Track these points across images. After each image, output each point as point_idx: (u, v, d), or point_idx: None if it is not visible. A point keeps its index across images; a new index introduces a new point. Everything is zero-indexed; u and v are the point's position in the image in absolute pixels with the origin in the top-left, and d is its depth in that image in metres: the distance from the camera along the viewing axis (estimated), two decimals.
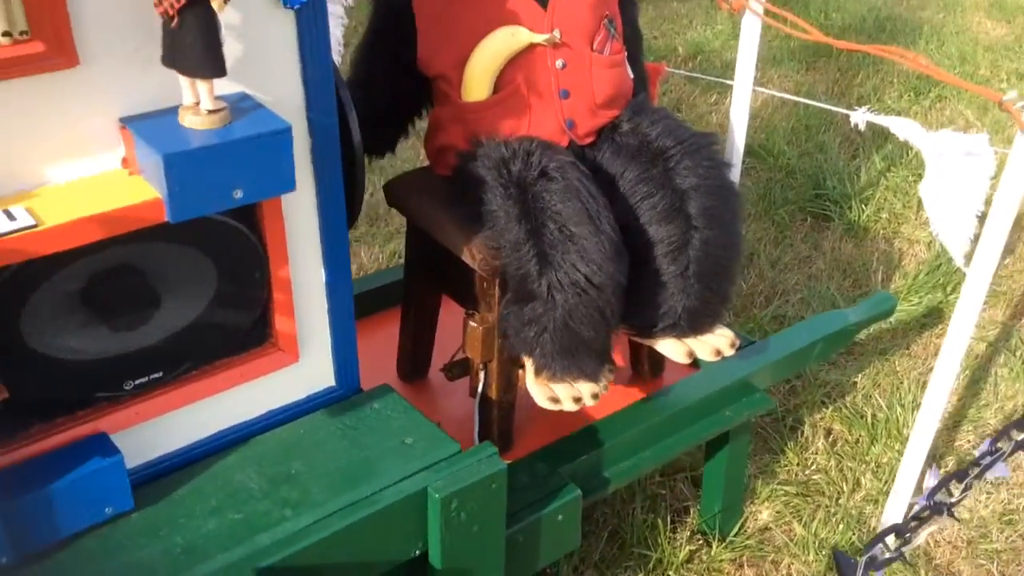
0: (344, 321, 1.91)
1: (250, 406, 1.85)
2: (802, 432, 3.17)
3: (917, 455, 2.58)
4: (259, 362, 1.81)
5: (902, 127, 2.48)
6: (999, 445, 1.48)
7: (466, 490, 1.78)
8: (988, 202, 2.33)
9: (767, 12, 2.64)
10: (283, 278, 1.77)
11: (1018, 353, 3.57)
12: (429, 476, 1.79)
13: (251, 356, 1.81)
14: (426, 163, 2.31)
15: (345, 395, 1.97)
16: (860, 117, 2.59)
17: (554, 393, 2.04)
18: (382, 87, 2.14)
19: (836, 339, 2.63)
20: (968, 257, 2.39)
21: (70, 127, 1.45)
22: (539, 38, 2.01)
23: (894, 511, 2.72)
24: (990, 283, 2.35)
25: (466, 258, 2.07)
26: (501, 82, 2.05)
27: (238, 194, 1.49)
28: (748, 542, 2.79)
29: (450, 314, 2.41)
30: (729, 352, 2.24)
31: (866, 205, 4.39)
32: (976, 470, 1.46)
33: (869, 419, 3.22)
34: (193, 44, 1.40)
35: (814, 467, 3.07)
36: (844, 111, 2.70)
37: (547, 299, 1.97)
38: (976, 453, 1.48)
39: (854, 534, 2.81)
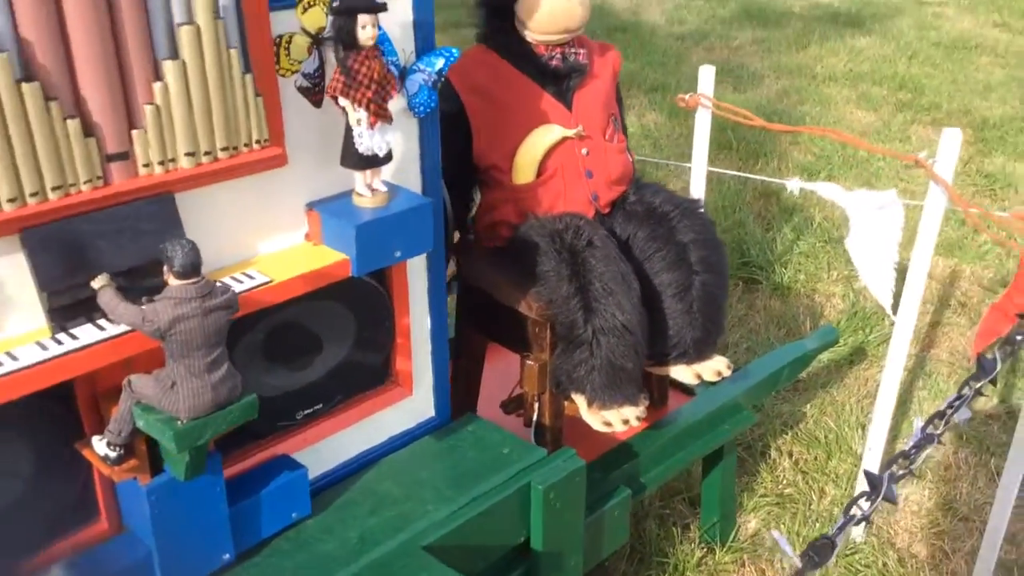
0: (442, 361, 2.39)
1: (378, 432, 2.29)
2: (770, 455, 3.72)
3: (874, 456, 3.16)
4: (385, 396, 2.27)
5: (827, 190, 3.12)
6: (963, 392, 2.02)
7: (559, 483, 2.25)
8: (906, 249, 2.92)
9: (715, 106, 3.28)
10: (404, 325, 2.24)
11: (933, 376, 4.23)
12: (529, 474, 2.25)
13: (380, 391, 2.26)
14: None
15: (441, 423, 2.43)
16: (794, 185, 3.23)
17: (607, 419, 2.53)
18: (454, 176, 2.61)
19: (798, 364, 3.21)
20: (895, 307, 2.98)
21: (277, 211, 1.92)
22: (569, 132, 2.58)
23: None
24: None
25: (523, 309, 2.58)
26: (542, 168, 2.59)
27: (397, 254, 1.98)
28: (744, 545, 3.29)
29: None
30: (727, 373, 2.78)
31: (785, 268, 5.06)
32: (950, 411, 2.00)
33: (823, 440, 3.80)
34: (349, 148, 1.91)
35: (785, 482, 3.61)
36: (780, 181, 3.34)
37: (593, 342, 2.48)
38: (945, 402, 2.02)
39: (828, 529, 3.34)
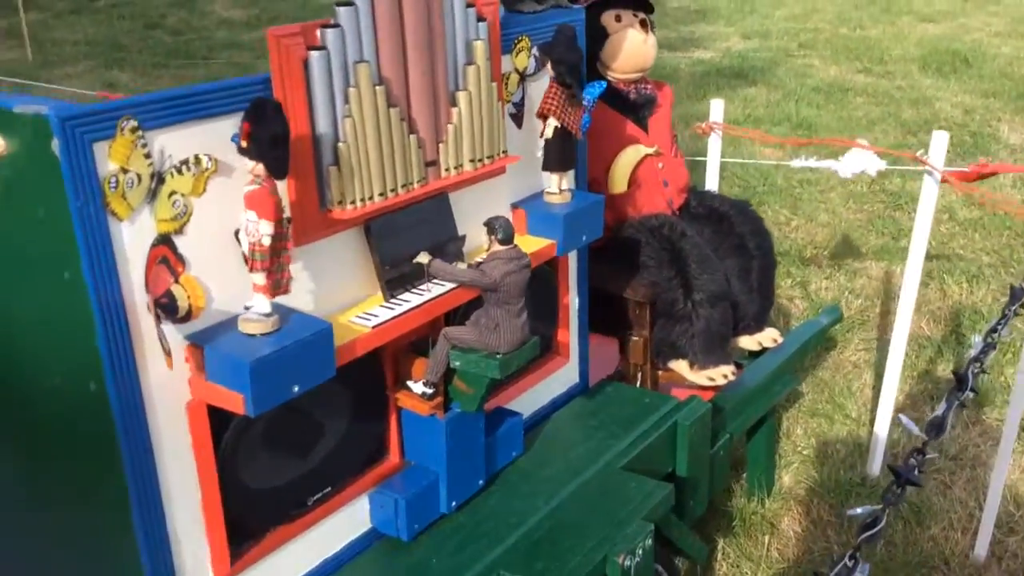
0: (584, 333, 2.95)
1: (543, 395, 2.82)
2: (784, 426, 4.38)
3: (885, 412, 3.87)
4: (552, 363, 2.81)
5: (824, 164, 3.85)
6: (1005, 313, 2.67)
7: (696, 420, 2.83)
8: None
9: (725, 130, 3.99)
10: (565, 303, 2.80)
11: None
12: (673, 415, 2.82)
13: (548, 359, 2.80)
14: None
15: (583, 388, 2.98)
16: (799, 163, 3.94)
17: (710, 375, 3.13)
18: None
19: (818, 336, 3.90)
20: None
21: (497, 209, 2.47)
22: (650, 150, 3.22)
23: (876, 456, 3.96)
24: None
25: (628, 294, 3.17)
26: (631, 180, 3.21)
27: (584, 238, 2.56)
28: (784, 495, 3.92)
29: None
30: (780, 340, 3.45)
31: None
32: (975, 366, 2.60)
33: (823, 410, 4.49)
34: (555, 154, 2.49)
35: (803, 445, 4.27)
36: (787, 162, 4.05)
37: (692, 314, 3.09)
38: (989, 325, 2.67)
39: (849, 477, 4.01)
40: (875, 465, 4.03)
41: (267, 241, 1.72)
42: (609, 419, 2.79)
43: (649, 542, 2.29)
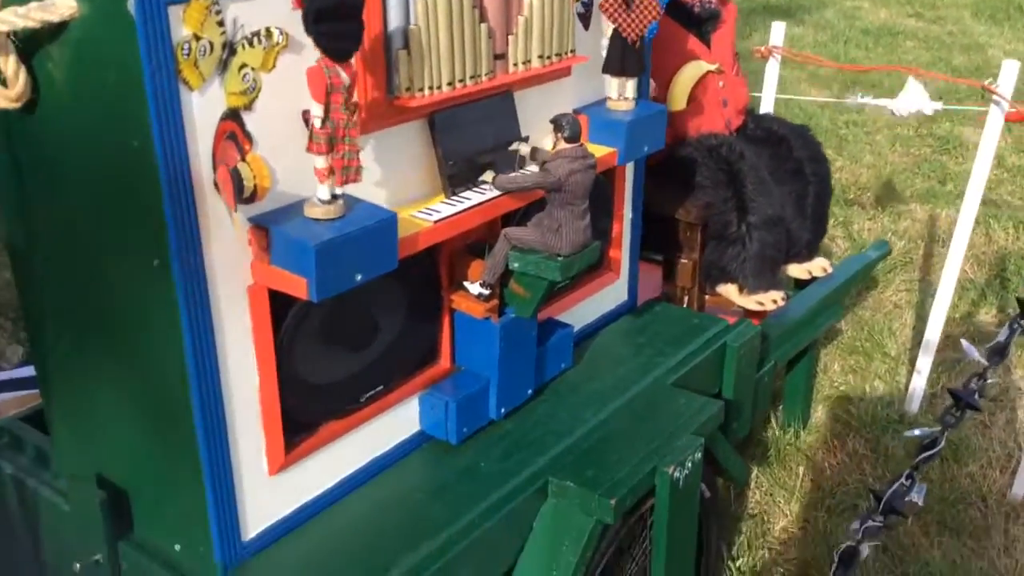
0: (635, 250, 2.89)
1: (593, 310, 2.78)
2: (821, 362, 4.34)
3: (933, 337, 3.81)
4: (603, 278, 2.76)
5: (878, 101, 3.74)
6: None
7: (746, 343, 2.79)
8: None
9: (784, 56, 3.88)
10: (620, 216, 2.74)
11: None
12: (722, 337, 2.78)
13: (600, 273, 2.76)
14: None
15: (631, 306, 2.94)
16: (852, 100, 3.84)
17: (760, 300, 3.08)
18: None
19: (866, 270, 3.84)
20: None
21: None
22: (712, 67, 3.13)
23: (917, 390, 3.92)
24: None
25: (680, 215, 3.10)
26: (690, 97, 3.13)
27: (646, 148, 2.50)
28: (820, 428, 3.89)
29: None
30: (830, 270, 3.38)
31: None
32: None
33: (861, 347, 4.44)
34: (622, 58, 2.41)
35: (840, 382, 4.23)
36: (840, 100, 3.95)
37: (746, 237, 3.03)
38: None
39: (886, 413, 3.97)
40: (914, 403, 3.98)
41: (317, 124, 1.66)
42: (657, 337, 2.75)
43: (699, 456, 2.26)
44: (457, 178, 2.08)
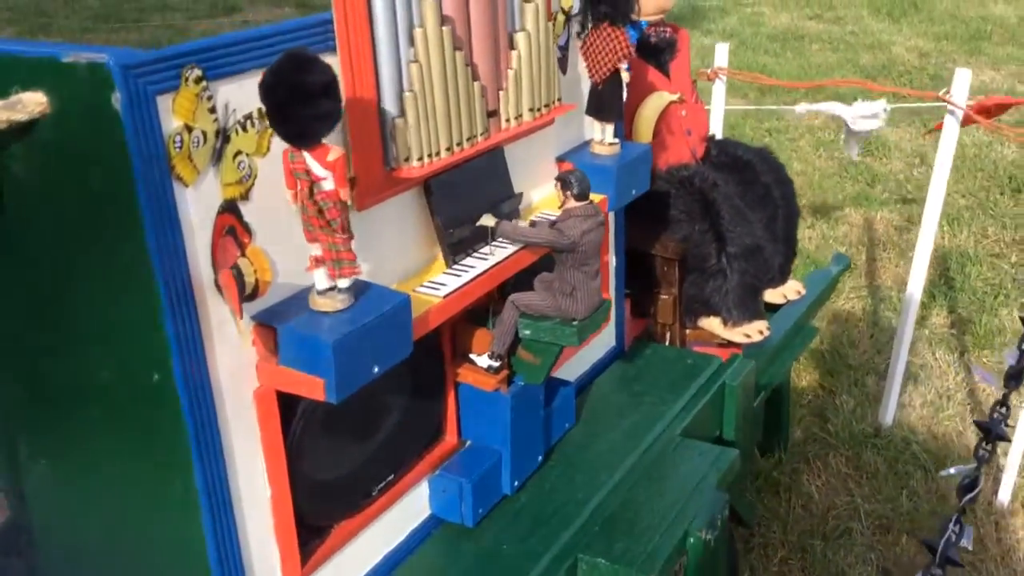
0: (622, 295, 2.79)
1: (582, 362, 2.65)
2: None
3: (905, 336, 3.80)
4: None
5: (830, 107, 3.73)
6: None
7: (743, 380, 2.70)
8: None
9: (729, 76, 3.84)
10: (604, 260, 2.63)
11: (888, 300, 4.96)
12: (720, 376, 2.69)
13: None
14: None
15: (620, 351, 2.83)
16: (801, 109, 3.82)
17: (746, 332, 2.99)
18: None
19: (833, 284, 3.80)
20: (858, 154, 3.69)
21: (543, 163, 2.28)
22: (673, 97, 3.04)
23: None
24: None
25: (658, 251, 3.01)
26: (655, 130, 3.04)
27: (633, 192, 2.39)
28: (799, 449, 3.83)
29: None
30: (804, 292, 3.33)
31: None
32: None
33: (824, 359, 4.42)
34: (609, 100, 2.31)
35: (809, 398, 4.19)
36: (788, 108, 3.93)
37: (727, 268, 2.94)
38: None
39: (861, 428, 3.94)
40: (888, 415, 3.97)
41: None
42: (654, 383, 2.65)
43: (726, 512, 2.16)
44: (458, 245, 1.94)
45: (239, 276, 1.50)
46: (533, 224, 2.08)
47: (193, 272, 1.44)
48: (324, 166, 1.46)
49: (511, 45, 1.95)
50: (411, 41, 1.70)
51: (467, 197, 1.94)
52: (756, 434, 3.03)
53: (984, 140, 6.92)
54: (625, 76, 2.29)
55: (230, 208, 1.48)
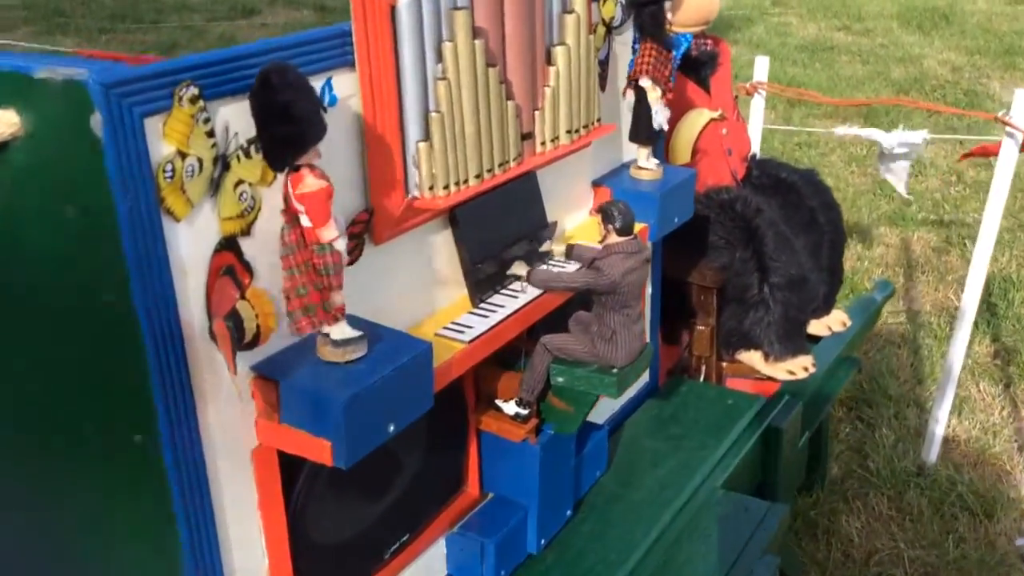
0: (656, 327, 2.58)
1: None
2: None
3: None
4: None
5: (869, 133, 3.52)
6: None
7: (790, 423, 2.49)
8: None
9: (769, 91, 3.63)
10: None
11: (929, 325, 4.74)
12: (764, 417, 2.48)
13: None
14: None
15: (654, 387, 2.62)
16: (840, 131, 3.62)
17: (790, 368, 2.78)
18: None
19: (876, 313, 3.59)
20: (907, 189, 3.49)
21: (579, 188, 2.08)
22: (715, 115, 2.84)
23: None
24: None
25: (695, 279, 2.80)
26: (694, 149, 2.84)
27: (676, 220, 2.19)
28: (837, 488, 3.61)
29: None
30: (849, 323, 3.11)
31: None
32: None
33: (863, 390, 4.20)
34: (644, 125, 2.11)
35: (847, 432, 3.97)
36: (828, 131, 3.72)
37: (769, 299, 2.73)
38: None
39: (903, 466, 3.71)
40: (932, 453, 3.74)
41: (340, 245, 1.33)
42: (693, 425, 2.44)
43: None
44: (484, 283, 1.74)
45: (235, 326, 1.30)
46: (571, 249, 1.87)
47: (184, 319, 1.25)
48: (297, 198, 1.27)
49: (549, 60, 1.75)
50: (439, 56, 1.50)
51: (496, 228, 1.74)
52: (799, 477, 2.82)
53: (1022, 158, 6.68)
54: (653, 95, 2.08)
55: (229, 245, 1.29)
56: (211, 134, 1.22)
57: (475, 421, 1.88)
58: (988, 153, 3.48)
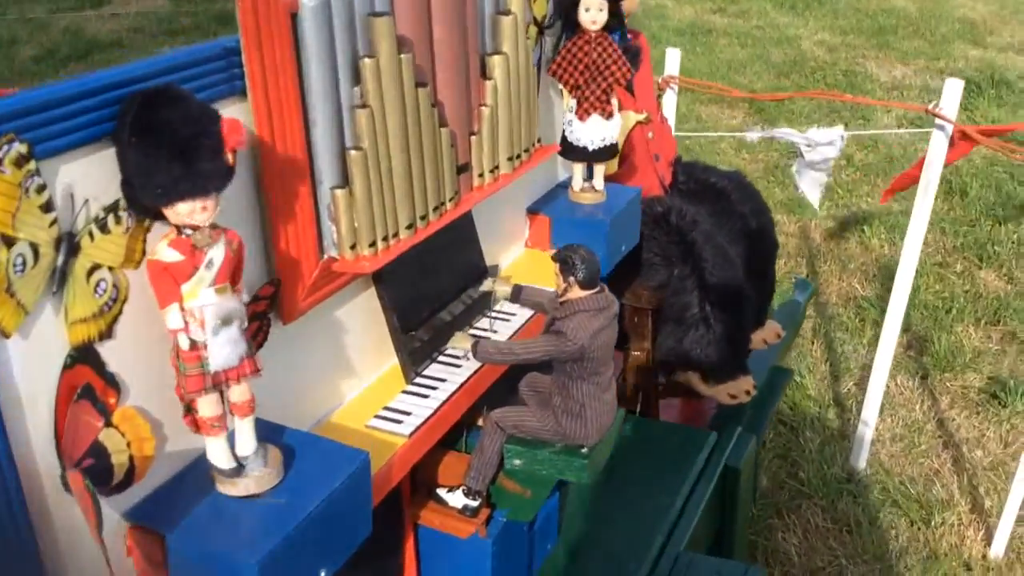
0: None
1: None
2: None
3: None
4: None
5: (784, 134, 3.31)
6: None
7: (747, 458, 2.24)
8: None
9: (682, 84, 3.38)
10: None
11: (840, 318, 4.61)
12: (718, 456, 2.22)
13: None
14: None
15: None
16: (753, 135, 3.40)
17: (731, 391, 2.53)
18: None
19: (802, 315, 3.39)
20: (820, 203, 3.28)
21: (512, 218, 1.76)
22: (640, 116, 2.55)
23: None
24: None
25: (629, 300, 2.51)
26: (621, 157, 2.54)
27: (623, 247, 1.89)
28: (769, 500, 3.41)
29: None
30: (783, 333, 2.89)
31: None
32: None
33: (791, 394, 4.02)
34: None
35: (770, 436, 3.78)
36: (740, 134, 3.49)
37: (710, 318, 2.47)
38: None
39: (833, 472, 3.55)
40: (861, 459, 3.58)
41: (182, 343, 0.97)
42: (642, 474, 2.15)
43: None
44: (419, 353, 1.39)
45: (99, 468, 0.93)
46: (519, 292, 1.53)
47: (24, 469, 0.87)
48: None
49: (484, 73, 1.41)
50: (356, 76, 1.14)
51: (429, 283, 1.40)
52: (750, 511, 2.58)
53: (908, 140, 6.69)
54: (565, 103, 1.77)
55: (83, 357, 0.91)
56: (48, 207, 0.84)
57: (411, 516, 1.53)
58: (909, 183, 3.29)
